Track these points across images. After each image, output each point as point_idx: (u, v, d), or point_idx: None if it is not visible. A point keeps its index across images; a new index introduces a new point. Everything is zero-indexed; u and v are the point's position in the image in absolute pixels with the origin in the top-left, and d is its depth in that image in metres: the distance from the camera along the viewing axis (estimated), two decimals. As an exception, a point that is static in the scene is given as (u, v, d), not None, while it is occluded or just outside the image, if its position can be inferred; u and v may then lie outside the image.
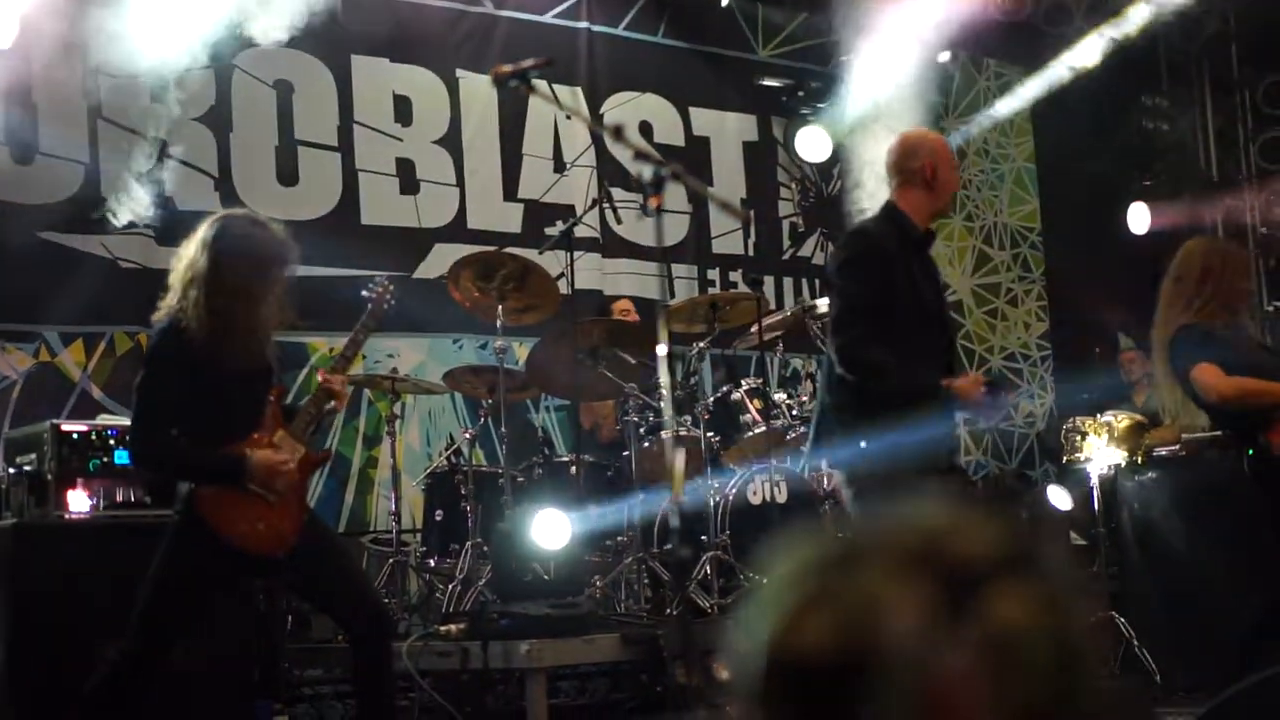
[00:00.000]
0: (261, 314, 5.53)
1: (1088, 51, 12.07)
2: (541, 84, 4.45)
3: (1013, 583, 1.23)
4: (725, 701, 6.46)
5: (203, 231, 5.53)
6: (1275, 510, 6.45)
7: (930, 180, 5.87)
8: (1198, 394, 6.47)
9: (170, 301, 5.49)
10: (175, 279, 5.52)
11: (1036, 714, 1.22)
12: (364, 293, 6.19)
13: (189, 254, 5.52)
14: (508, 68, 4.28)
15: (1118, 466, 9.05)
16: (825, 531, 1.33)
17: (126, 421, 6.48)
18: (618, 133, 3.80)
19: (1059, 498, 9.47)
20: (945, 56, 12.84)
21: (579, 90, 11.41)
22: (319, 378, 5.94)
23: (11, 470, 6.87)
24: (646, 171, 3.56)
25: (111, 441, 6.73)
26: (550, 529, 7.52)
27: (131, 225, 9.45)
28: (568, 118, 10.97)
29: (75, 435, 6.73)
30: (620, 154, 10.59)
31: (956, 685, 1.19)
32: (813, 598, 1.25)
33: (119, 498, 6.78)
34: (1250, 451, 6.41)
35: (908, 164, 5.93)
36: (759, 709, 1.27)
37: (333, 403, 5.84)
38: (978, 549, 1.24)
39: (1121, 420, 9.09)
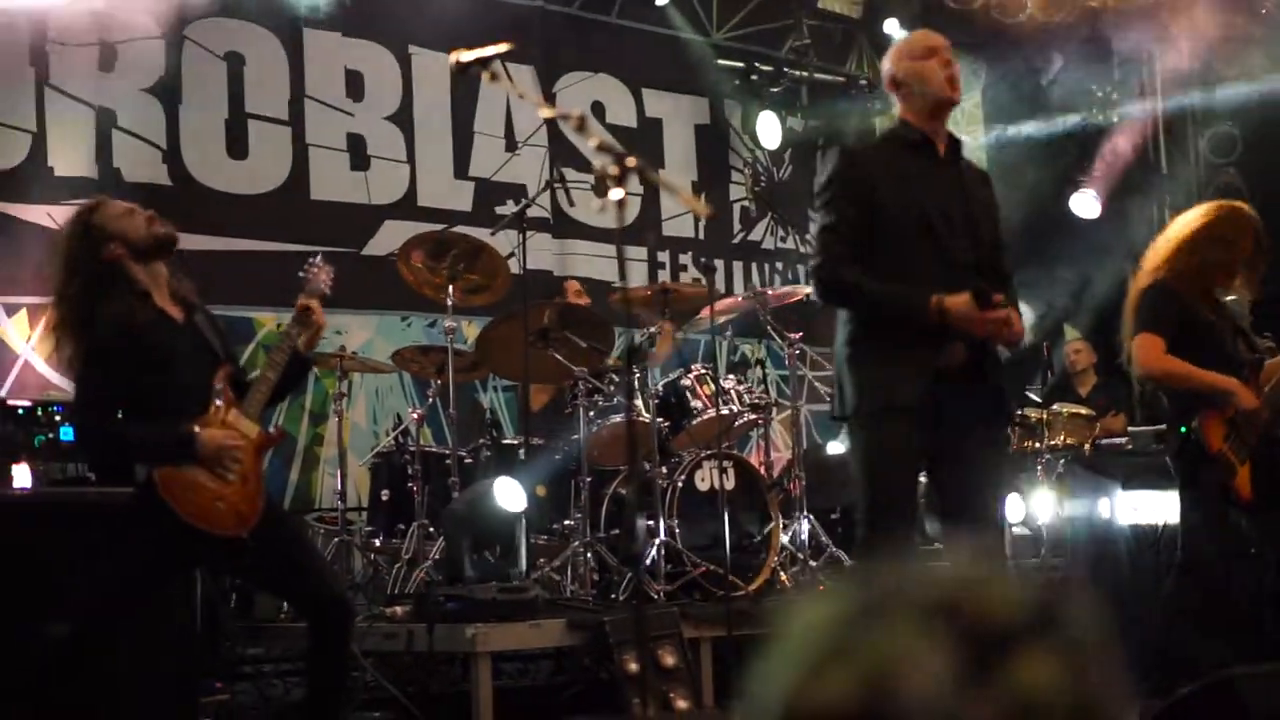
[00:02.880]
0: (128, 282, 5.47)
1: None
2: (498, 69, 4.35)
3: (1039, 646, 1.20)
4: (669, 689, 6.41)
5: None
6: (1193, 494, 6.35)
7: (900, 83, 5.41)
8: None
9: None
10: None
11: None
12: (300, 273, 6.12)
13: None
14: (468, 56, 4.19)
15: (1064, 458, 9.08)
16: (847, 583, 1.30)
17: (71, 398, 6.43)
18: (581, 123, 3.75)
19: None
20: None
21: (531, 70, 11.37)
22: (299, 301, 5.80)
23: (-46, 444, 6.80)
24: (608, 164, 3.52)
25: (57, 418, 6.67)
26: (507, 495, 7.49)
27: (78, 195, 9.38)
28: (519, 96, 10.89)
29: (21, 411, 6.67)
30: (580, 143, 10.61)
31: None
32: (833, 651, 1.21)
33: (64, 474, 6.72)
34: (1182, 430, 6.34)
35: (887, 85, 5.53)
36: None
37: (305, 332, 5.72)
38: (1002, 608, 1.21)
39: (1066, 411, 9.13)
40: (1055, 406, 9.12)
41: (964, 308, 5.04)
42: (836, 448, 10.22)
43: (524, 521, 7.68)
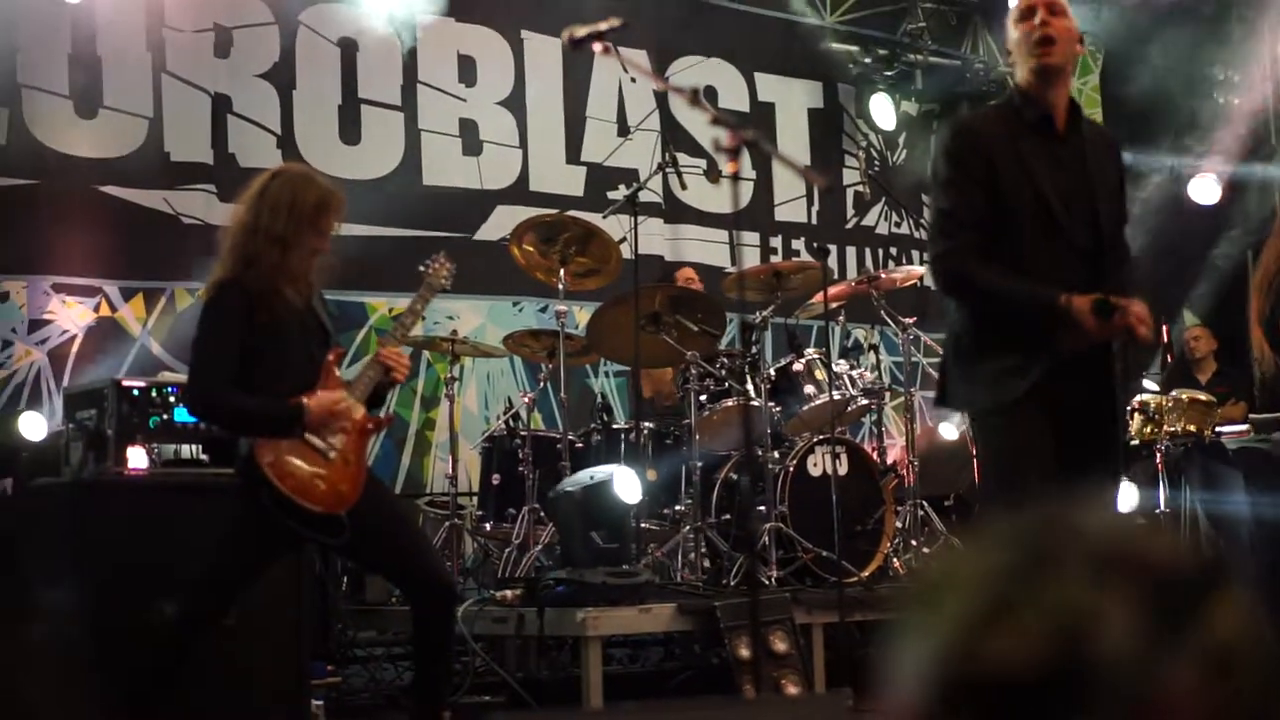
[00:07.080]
0: (302, 261, 5.50)
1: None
2: (610, 44, 4.32)
3: (1226, 594, 1.14)
4: (780, 674, 6.33)
5: (252, 186, 5.54)
6: None
7: (1009, 50, 5.07)
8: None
9: (223, 257, 5.48)
10: (226, 235, 5.52)
11: None
12: (420, 268, 6.13)
13: (238, 208, 5.54)
14: (582, 32, 4.17)
15: (1184, 444, 8.91)
16: (1006, 532, 1.20)
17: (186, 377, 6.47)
18: (695, 96, 3.71)
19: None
20: None
21: (644, 54, 11.33)
22: (378, 347, 5.89)
23: (71, 425, 6.85)
24: (722, 137, 3.47)
25: (172, 399, 6.70)
26: (625, 486, 7.43)
27: (194, 180, 9.51)
28: (633, 80, 10.82)
29: (136, 392, 6.70)
30: (693, 119, 10.60)
31: (1176, 702, 1.09)
32: (1006, 605, 1.13)
33: (177, 456, 6.76)
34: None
35: (1006, 53, 5.17)
36: None
37: (390, 375, 5.77)
38: (1182, 558, 1.15)
39: (1187, 398, 8.96)
40: (1174, 392, 8.94)
41: (1084, 313, 4.67)
42: (950, 433, 10.10)
43: (637, 508, 7.65)
